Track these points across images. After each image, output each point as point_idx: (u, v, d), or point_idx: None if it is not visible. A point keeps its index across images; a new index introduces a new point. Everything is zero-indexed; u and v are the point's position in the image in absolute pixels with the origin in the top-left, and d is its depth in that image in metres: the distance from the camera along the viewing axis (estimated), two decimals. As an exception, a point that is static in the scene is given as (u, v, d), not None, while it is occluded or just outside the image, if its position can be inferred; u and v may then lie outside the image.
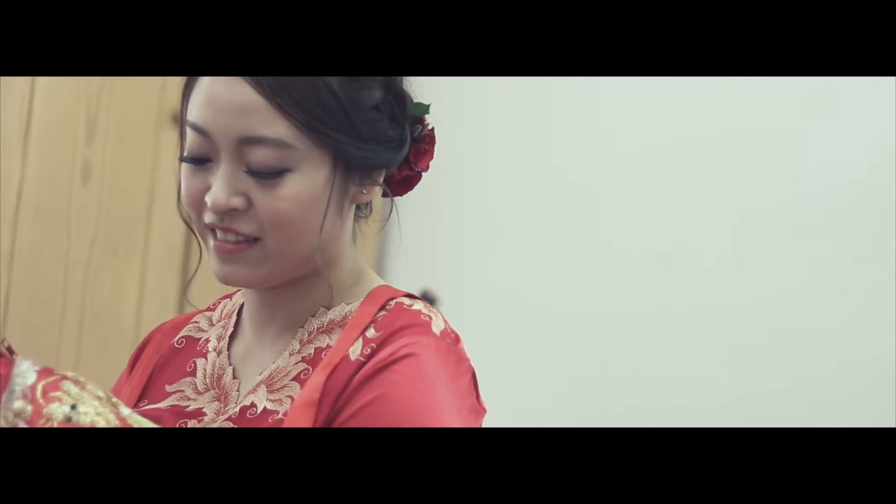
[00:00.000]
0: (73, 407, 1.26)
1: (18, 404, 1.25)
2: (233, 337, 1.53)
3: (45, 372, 1.28)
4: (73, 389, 1.28)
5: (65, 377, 1.28)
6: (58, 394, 1.27)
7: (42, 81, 2.80)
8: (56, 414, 1.26)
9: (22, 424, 1.25)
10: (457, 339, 1.44)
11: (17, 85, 2.78)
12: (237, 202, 1.39)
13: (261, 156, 1.38)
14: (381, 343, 1.39)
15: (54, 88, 2.82)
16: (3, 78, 2.74)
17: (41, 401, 1.26)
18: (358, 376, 1.37)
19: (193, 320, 1.59)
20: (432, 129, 1.51)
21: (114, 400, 1.30)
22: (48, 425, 1.25)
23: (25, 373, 1.27)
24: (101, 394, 1.30)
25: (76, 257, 2.85)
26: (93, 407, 1.28)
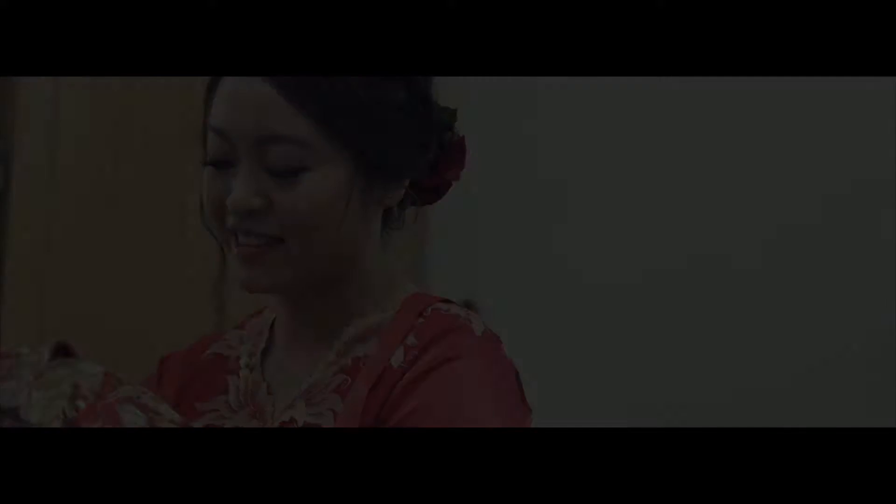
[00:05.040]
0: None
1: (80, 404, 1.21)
2: (265, 353, 1.51)
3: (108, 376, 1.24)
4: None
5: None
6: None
7: (66, 108, 2.81)
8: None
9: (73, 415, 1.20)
10: (498, 340, 1.42)
11: (41, 111, 2.78)
12: (257, 202, 1.37)
13: (279, 154, 1.36)
14: (423, 349, 1.38)
15: (79, 114, 2.83)
16: (27, 105, 2.76)
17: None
18: (401, 384, 1.36)
19: (224, 337, 1.56)
20: (462, 137, 1.48)
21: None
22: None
23: (93, 372, 1.23)
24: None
25: (108, 282, 2.85)
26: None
